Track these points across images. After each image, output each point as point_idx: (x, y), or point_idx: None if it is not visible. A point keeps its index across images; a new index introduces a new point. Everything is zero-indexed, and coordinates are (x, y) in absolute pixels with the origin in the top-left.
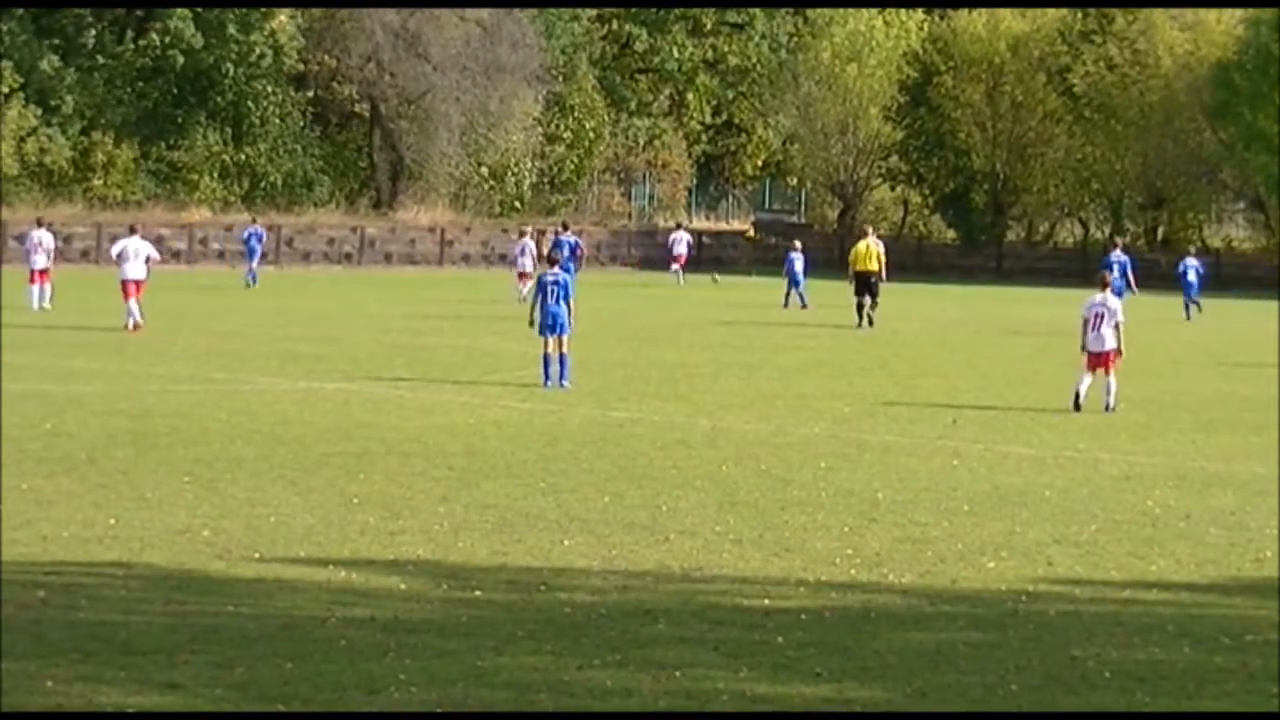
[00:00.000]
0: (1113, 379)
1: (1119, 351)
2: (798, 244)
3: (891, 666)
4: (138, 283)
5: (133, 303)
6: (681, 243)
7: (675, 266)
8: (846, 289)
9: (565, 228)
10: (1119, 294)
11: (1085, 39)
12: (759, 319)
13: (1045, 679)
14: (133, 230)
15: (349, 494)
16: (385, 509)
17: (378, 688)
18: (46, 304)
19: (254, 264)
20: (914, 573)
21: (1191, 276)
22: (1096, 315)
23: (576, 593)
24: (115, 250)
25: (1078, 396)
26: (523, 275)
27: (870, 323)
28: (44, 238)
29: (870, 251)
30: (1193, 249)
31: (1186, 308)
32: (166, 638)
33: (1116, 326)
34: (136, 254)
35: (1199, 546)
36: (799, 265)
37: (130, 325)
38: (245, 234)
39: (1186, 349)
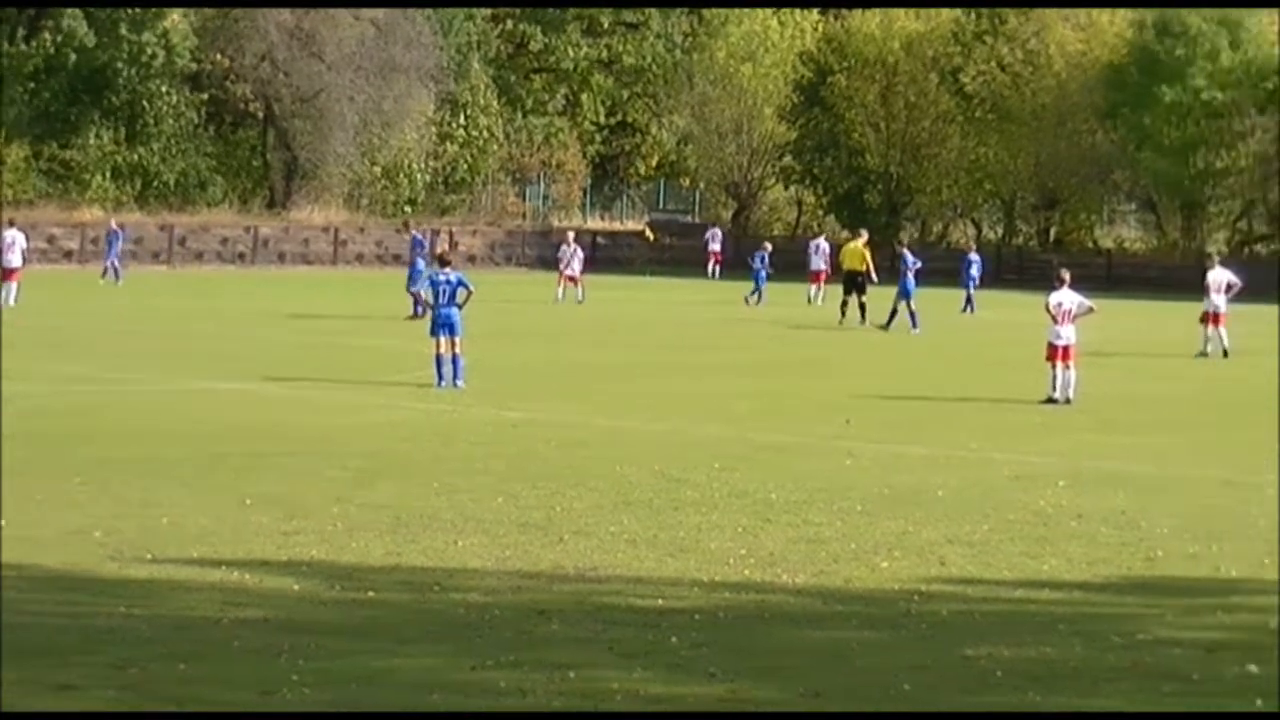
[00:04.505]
0: (1072, 372)
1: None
2: (767, 245)
3: (785, 666)
4: (13, 270)
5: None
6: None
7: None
8: (735, 288)
9: (406, 226)
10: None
11: (978, 39)
12: (658, 319)
13: (938, 678)
14: (11, 223)
15: (243, 494)
16: (280, 509)
17: (271, 688)
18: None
19: (112, 261)
20: (808, 572)
21: (974, 270)
22: (1063, 312)
23: (471, 593)
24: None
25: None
26: (571, 279)
27: (862, 318)
28: (17, 237)
29: (858, 252)
30: (973, 246)
31: (967, 301)
32: (59, 639)
33: (1087, 311)
34: (13, 244)
35: (1091, 546)
36: (759, 263)
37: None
38: (109, 233)
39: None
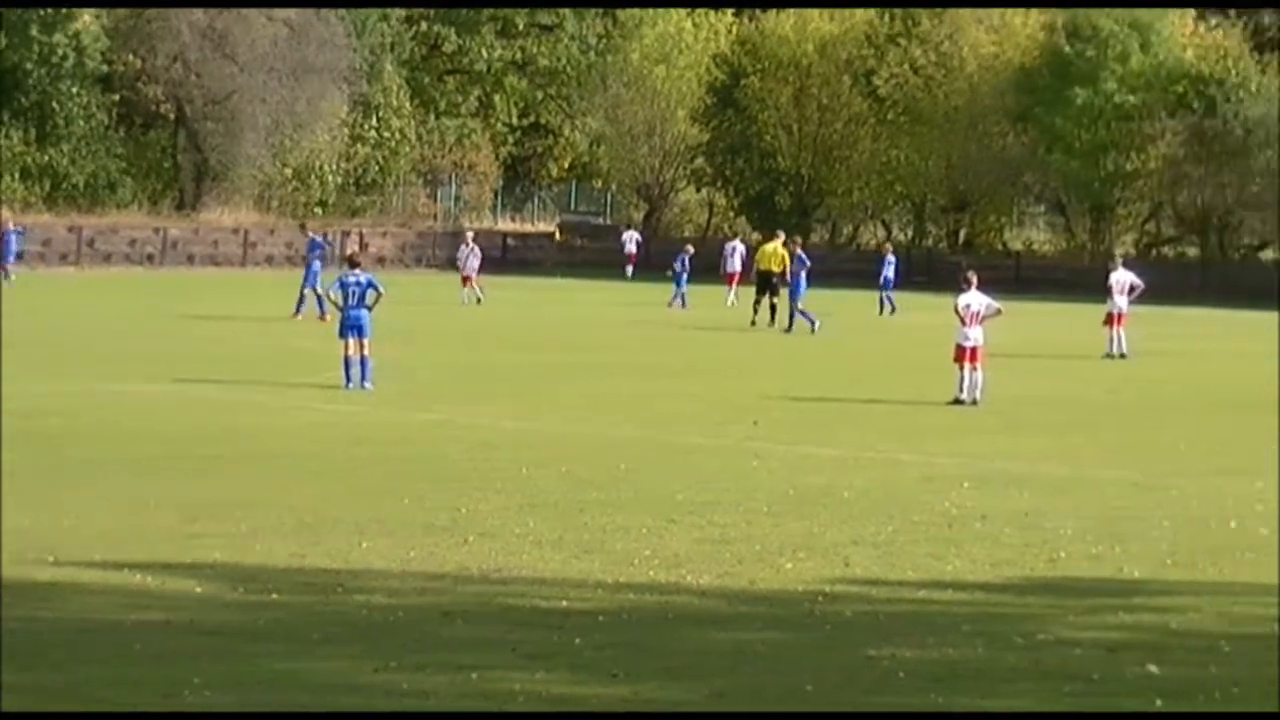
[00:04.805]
0: (980, 373)
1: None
2: (689, 248)
3: (689, 667)
4: None
5: None
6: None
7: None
8: (648, 289)
9: (304, 228)
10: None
11: (892, 41)
12: (568, 320)
13: (842, 679)
14: None
15: (146, 496)
16: (183, 511)
17: (174, 691)
18: None
19: (8, 262)
20: (713, 574)
21: (890, 272)
22: (971, 313)
23: (375, 595)
24: None
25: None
26: (466, 279)
27: (772, 319)
28: None
29: (775, 253)
30: (890, 245)
31: (881, 303)
32: None
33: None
34: None
35: (995, 547)
36: (681, 265)
37: None
38: (4, 233)
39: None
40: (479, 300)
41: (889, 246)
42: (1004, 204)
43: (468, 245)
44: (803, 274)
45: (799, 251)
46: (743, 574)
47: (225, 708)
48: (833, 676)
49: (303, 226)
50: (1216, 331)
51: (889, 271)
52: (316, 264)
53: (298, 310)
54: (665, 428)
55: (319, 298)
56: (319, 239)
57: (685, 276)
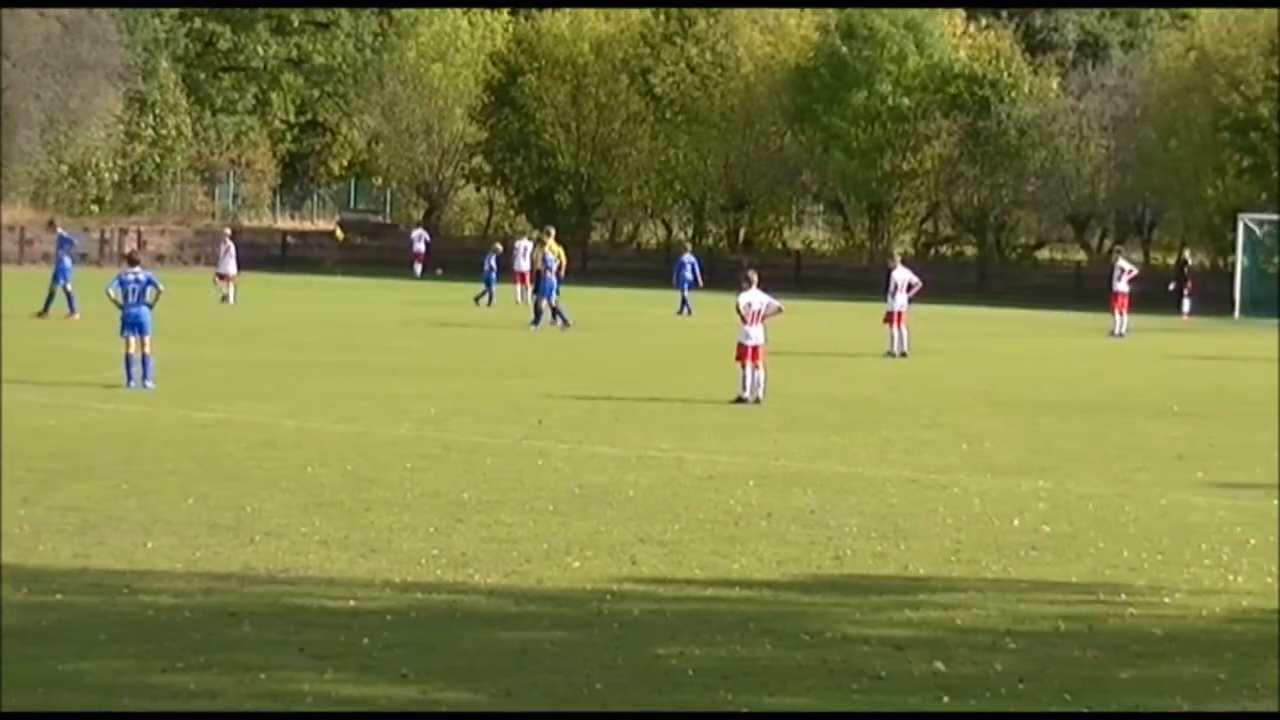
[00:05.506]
0: (761, 371)
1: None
2: (498, 246)
3: (477, 666)
4: None
5: None
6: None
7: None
8: (433, 288)
9: (52, 225)
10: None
11: (667, 40)
12: (349, 319)
13: (629, 677)
14: None
15: None
16: None
17: None
18: None
19: None
20: (500, 572)
21: (688, 273)
22: (752, 312)
23: (160, 595)
24: None
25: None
26: (222, 277)
27: (554, 317)
28: None
29: (554, 252)
30: (689, 246)
31: (682, 303)
32: None
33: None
34: None
35: (780, 544)
36: (491, 264)
37: None
38: None
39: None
40: (231, 300)
41: (688, 246)
42: (783, 203)
43: (224, 244)
44: (550, 273)
45: (547, 253)
46: (530, 573)
47: (8, 708)
48: (621, 675)
49: (51, 223)
50: (995, 330)
51: (687, 272)
52: (66, 260)
53: (46, 308)
54: (450, 427)
55: (68, 295)
56: (68, 235)
57: (495, 275)
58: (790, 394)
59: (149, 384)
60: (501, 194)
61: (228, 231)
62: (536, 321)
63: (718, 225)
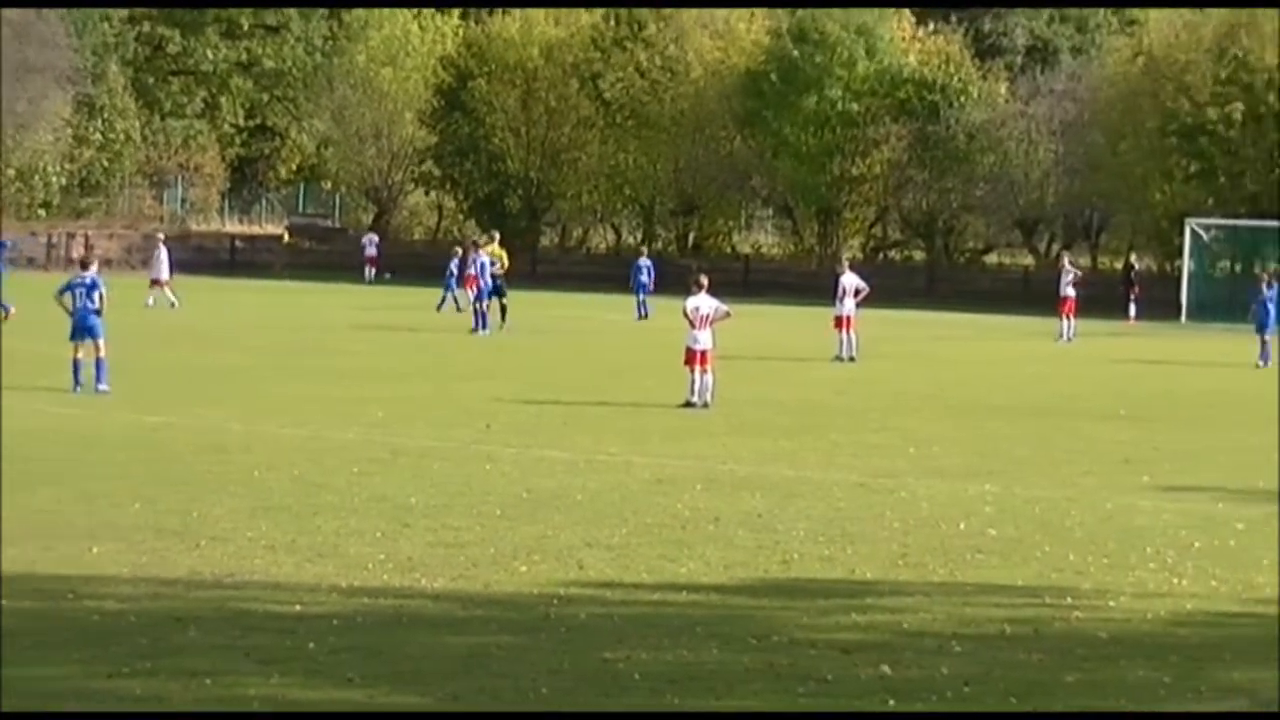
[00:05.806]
0: (710, 376)
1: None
2: (459, 249)
3: (424, 671)
4: None
5: None
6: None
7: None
8: (382, 293)
9: None
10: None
11: (618, 45)
12: (297, 323)
13: (577, 681)
14: None
15: None
16: None
17: None
18: None
19: None
20: (447, 577)
21: (644, 276)
22: (700, 316)
23: (106, 600)
24: None
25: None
26: (156, 282)
27: (503, 320)
28: None
29: (496, 255)
30: (645, 249)
31: (639, 306)
32: None
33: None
34: None
35: (728, 549)
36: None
37: None
38: None
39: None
40: (173, 305)
41: (645, 250)
42: (732, 208)
43: (159, 248)
44: (486, 277)
45: (480, 254)
46: (477, 577)
47: None
48: (568, 679)
49: None
50: (944, 334)
51: (644, 276)
52: (2, 266)
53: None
54: (397, 431)
55: None
56: (3, 240)
57: (456, 280)
58: (739, 398)
59: (103, 387)
60: (451, 198)
61: (161, 236)
62: (484, 327)
63: (667, 230)
